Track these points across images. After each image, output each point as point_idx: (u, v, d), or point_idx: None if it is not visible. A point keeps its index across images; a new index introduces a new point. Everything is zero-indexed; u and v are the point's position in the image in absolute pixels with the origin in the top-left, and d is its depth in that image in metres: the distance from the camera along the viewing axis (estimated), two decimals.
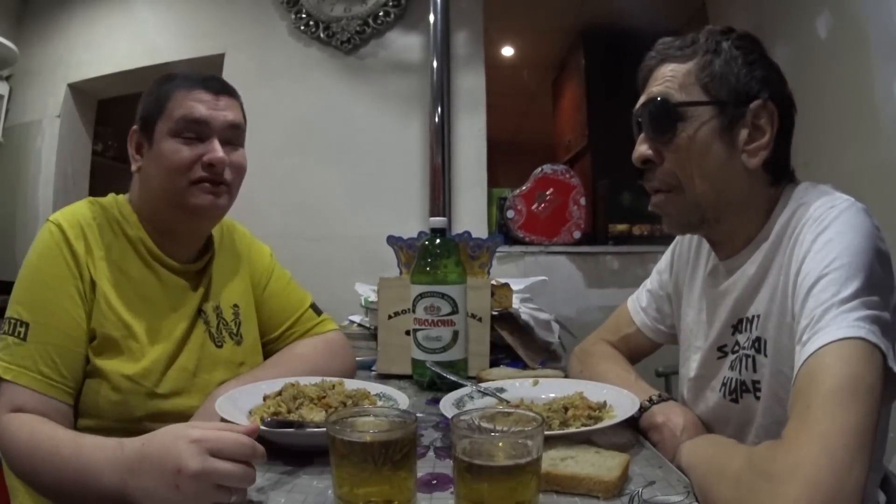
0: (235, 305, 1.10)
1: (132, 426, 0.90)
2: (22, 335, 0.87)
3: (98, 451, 0.71)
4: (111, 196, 1.03)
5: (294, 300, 1.20)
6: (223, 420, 0.80)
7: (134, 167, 1.01)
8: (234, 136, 1.01)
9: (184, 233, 1.03)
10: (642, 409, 0.87)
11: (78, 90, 2.80)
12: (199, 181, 0.96)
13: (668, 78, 0.84)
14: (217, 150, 0.97)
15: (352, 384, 0.95)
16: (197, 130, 0.97)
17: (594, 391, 0.91)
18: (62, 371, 0.88)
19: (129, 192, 1.04)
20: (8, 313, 0.90)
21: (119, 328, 0.93)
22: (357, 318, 1.71)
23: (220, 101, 1.00)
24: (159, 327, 0.97)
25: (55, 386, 0.87)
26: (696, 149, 0.82)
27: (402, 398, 0.91)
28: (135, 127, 1.01)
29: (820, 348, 0.63)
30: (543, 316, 1.45)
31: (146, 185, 0.99)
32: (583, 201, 2.48)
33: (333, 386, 0.91)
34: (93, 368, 0.91)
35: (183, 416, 0.92)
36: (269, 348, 1.16)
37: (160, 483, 0.62)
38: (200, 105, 0.97)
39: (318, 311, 1.22)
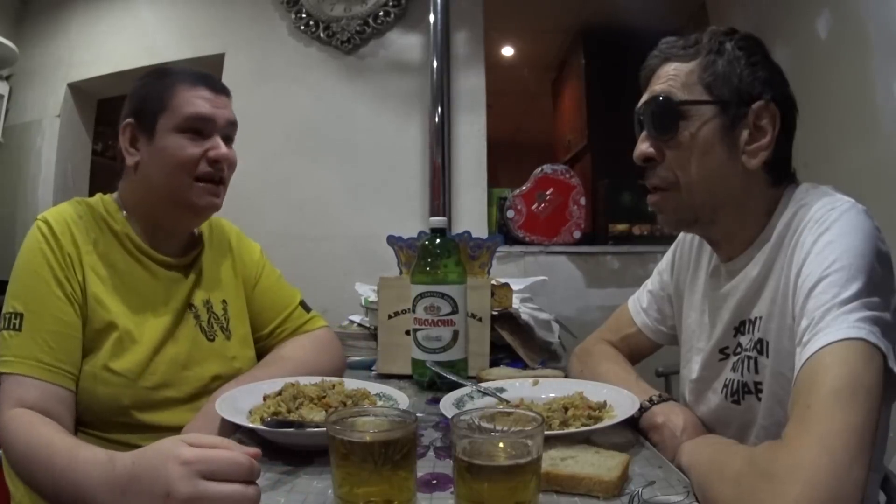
0: (224, 301, 1.12)
1: (124, 419, 0.91)
2: (17, 326, 0.89)
3: (91, 468, 0.69)
4: (97, 196, 1.05)
5: (284, 297, 1.21)
6: (224, 420, 0.80)
7: (130, 161, 1.01)
8: (231, 133, 1.05)
9: (174, 228, 1.06)
10: (642, 410, 0.87)
11: (78, 90, 2.80)
12: (201, 178, 0.99)
13: (671, 77, 0.84)
14: (222, 146, 1.01)
15: (352, 384, 0.95)
16: (201, 127, 1.00)
17: (594, 391, 0.91)
18: (59, 356, 0.89)
19: (119, 189, 1.05)
20: (3, 310, 0.92)
21: (106, 322, 0.94)
22: (357, 318, 1.70)
23: (220, 100, 1.03)
24: (147, 320, 0.98)
25: (54, 371, 0.88)
26: (698, 147, 0.82)
27: (402, 398, 0.91)
28: (130, 120, 1.01)
29: (820, 349, 0.63)
30: (543, 316, 1.45)
31: (144, 180, 1.00)
32: (583, 201, 2.48)
33: (333, 386, 0.91)
34: (83, 365, 0.92)
35: (172, 407, 0.95)
36: (260, 345, 1.17)
37: None
38: (205, 103, 1.00)
39: (308, 309, 1.23)
